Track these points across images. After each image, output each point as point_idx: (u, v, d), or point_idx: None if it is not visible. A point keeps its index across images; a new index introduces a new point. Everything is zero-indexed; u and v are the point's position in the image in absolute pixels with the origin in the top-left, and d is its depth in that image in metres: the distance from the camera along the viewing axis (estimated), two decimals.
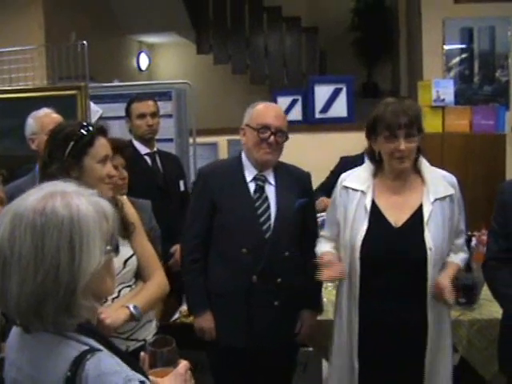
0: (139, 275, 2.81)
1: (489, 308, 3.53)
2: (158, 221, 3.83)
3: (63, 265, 1.44)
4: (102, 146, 2.64)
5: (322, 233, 3.18)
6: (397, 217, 2.88)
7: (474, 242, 4.21)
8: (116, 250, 1.60)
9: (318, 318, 3.44)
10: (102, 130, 2.70)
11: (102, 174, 2.62)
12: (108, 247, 1.54)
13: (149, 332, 2.83)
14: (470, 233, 3.94)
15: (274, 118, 3.18)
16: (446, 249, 2.87)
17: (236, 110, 5.10)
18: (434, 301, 2.82)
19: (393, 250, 2.79)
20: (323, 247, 3.07)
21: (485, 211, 5.38)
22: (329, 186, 4.58)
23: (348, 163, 4.21)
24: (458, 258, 2.95)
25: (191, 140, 5.74)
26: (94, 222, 1.50)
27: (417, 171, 2.96)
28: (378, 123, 2.84)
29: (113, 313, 2.51)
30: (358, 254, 2.85)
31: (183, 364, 1.78)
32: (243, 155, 3.28)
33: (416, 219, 2.85)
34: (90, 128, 2.64)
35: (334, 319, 3.10)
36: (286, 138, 3.22)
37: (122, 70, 10.67)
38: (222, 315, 3.20)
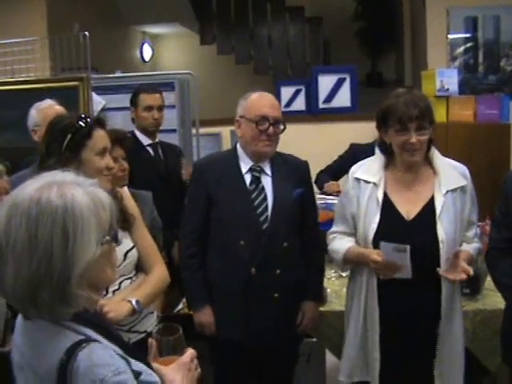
0: (140, 267, 2.81)
1: (493, 298, 3.51)
2: (160, 211, 3.83)
3: (56, 253, 1.45)
4: (100, 137, 2.61)
5: (334, 228, 3.12)
6: (409, 209, 2.86)
7: (478, 232, 4.18)
8: (116, 240, 1.59)
9: (322, 308, 3.43)
10: (100, 122, 2.67)
11: (100, 166, 2.60)
12: (107, 237, 1.54)
13: (150, 324, 2.83)
14: None
15: (270, 108, 3.14)
16: (458, 240, 2.85)
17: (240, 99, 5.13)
18: (447, 292, 2.82)
19: (405, 242, 2.74)
20: (344, 244, 3.01)
21: (489, 201, 5.35)
22: (336, 170, 4.60)
23: (358, 151, 4.21)
24: (471, 247, 2.91)
25: (194, 131, 5.72)
26: (89, 212, 1.50)
27: (428, 162, 2.94)
28: (390, 115, 2.81)
29: (115, 306, 2.52)
30: (371, 247, 2.84)
31: (189, 352, 1.78)
32: (238, 146, 3.25)
33: (428, 211, 2.84)
34: (88, 120, 2.61)
35: (346, 311, 3.09)
36: (284, 128, 3.18)
37: (125, 61, 10.66)
38: (222, 309, 3.18)
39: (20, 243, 1.45)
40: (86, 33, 4.96)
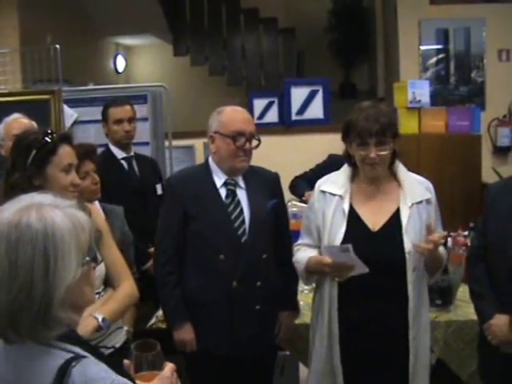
0: (108, 282, 2.78)
1: (465, 309, 3.55)
2: (134, 225, 3.82)
3: (37, 279, 1.44)
4: (65, 154, 2.60)
5: (299, 241, 3.13)
6: (374, 221, 2.89)
7: (449, 242, 4.20)
8: (95, 260, 1.58)
9: (295, 321, 3.44)
10: (66, 138, 2.66)
11: (65, 183, 2.59)
12: (86, 258, 1.54)
13: (118, 339, 2.80)
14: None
15: (246, 123, 3.15)
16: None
17: (213, 111, 5.11)
18: (414, 302, 2.83)
19: (371, 253, 2.78)
20: (307, 254, 3.02)
21: (461, 212, 5.46)
22: (312, 179, 4.59)
23: (336, 162, 4.22)
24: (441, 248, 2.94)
25: (167, 143, 5.70)
26: (69, 234, 1.49)
27: (393, 175, 2.97)
28: (351, 129, 2.85)
29: (81, 322, 2.49)
30: None
31: (169, 366, 1.78)
32: (210, 161, 3.23)
33: (393, 223, 2.86)
34: (54, 136, 2.60)
35: (312, 323, 3.09)
36: (259, 143, 3.19)
37: (99, 72, 10.60)
38: (204, 324, 3.16)
39: (0, 269, 1.44)
40: (57, 46, 4.94)
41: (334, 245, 2.80)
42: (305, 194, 4.50)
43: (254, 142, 3.18)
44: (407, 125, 5.94)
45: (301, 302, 3.60)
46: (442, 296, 3.54)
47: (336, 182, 3.01)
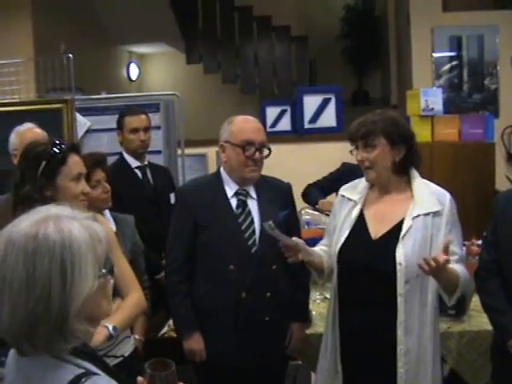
0: (116, 292, 2.79)
1: (478, 319, 3.52)
2: (148, 233, 3.83)
3: (54, 291, 1.43)
4: (75, 163, 2.62)
5: (321, 241, 3.20)
6: (378, 229, 2.90)
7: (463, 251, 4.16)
8: (112, 272, 1.58)
9: (307, 331, 3.43)
10: (74, 148, 2.68)
11: (75, 192, 2.61)
12: (103, 270, 1.53)
13: (127, 348, 2.82)
14: None
15: (256, 132, 3.14)
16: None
17: (226, 120, 5.11)
18: (406, 318, 2.80)
19: (366, 261, 2.82)
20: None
21: (475, 220, 5.41)
22: (326, 187, 4.62)
23: (349, 170, 4.21)
24: (456, 266, 2.80)
25: (179, 151, 5.71)
26: (86, 247, 1.48)
27: (408, 185, 2.95)
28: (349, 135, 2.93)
29: None
30: (335, 262, 2.92)
31: None
32: (222, 170, 3.24)
33: (394, 233, 2.85)
34: (63, 146, 2.62)
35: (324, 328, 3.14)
36: (270, 152, 3.18)
37: (112, 80, 10.66)
38: (213, 334, 3.15)
39: (17, 281, 1.43)
40: (70, 55, 4.97)
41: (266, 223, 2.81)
42: (318, 202, 4.50)
43: (265, 152, 3.17)
44: (420, 133, 5.90)
45: (313, 312, 3.59)
46: (455, 306, 3.50)
47: (355, 188, 3.05)
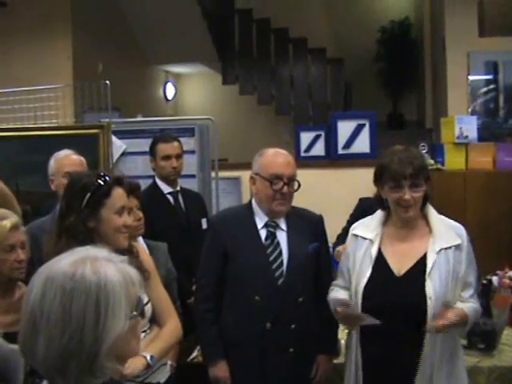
0: (154, 320, 2.84)
1: (509, 354, 3.49)
2: (180, 259, 3.87)
3: (88, 328, 1.49)
4: (118, 196, 2.67)
5: (335, 282, 3.17)
6: (401, 265, 2.90)
7: (495, 281, 4.12)
8: (142, 314, 1.63)
9: (336, 361, 3.43)
10: (119, 180, 2.73)
11: (118, 225, 2.66)
12: (134, 312, 1.59)
13: (162, 375, 2.89)
14: (489, 277, 3.90)
15: (285, 166, 3.15)
16: (450, 299, 2.83)
17: (261, 142, 5.13)
18: (430, 352, 2.79)
19: (393, 298, 2.81)
20: (337, 294, 3.06)
21: (509, 250, 5.38)
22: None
23: (366, 205, 4.18)
24: (465, 306, 2.87)
25: (213, 174, 5.76)
26: (120, 289, 1.54)
27: (425, 219, 2.97)
28: (384, 172, 2.86)
29: (131, 362, 2.54)
30: (360, 301, 2.88)
31: None
32: (253, 202, 3.27)
33: (419, 268, 2.86)
34: (107, 178, 2.67)
35: (345, 359, 3.12)
36: (299, 186, 3.19)
37: (149, 100, 10.80)
38: (237, 364, 3.17)
39: (54, 316, 1.49)
40: (108, 81, 5.07)
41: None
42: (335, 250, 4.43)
43: (294, 186, 3.18)
44: (454, 160, 5.91)
45: (342, 341, 3.59)
46: (484, 340, 3.49)
47: (368, 226, 3.04)
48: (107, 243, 2.61)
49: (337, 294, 3.07)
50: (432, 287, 2.79)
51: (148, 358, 2.63)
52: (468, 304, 2.88)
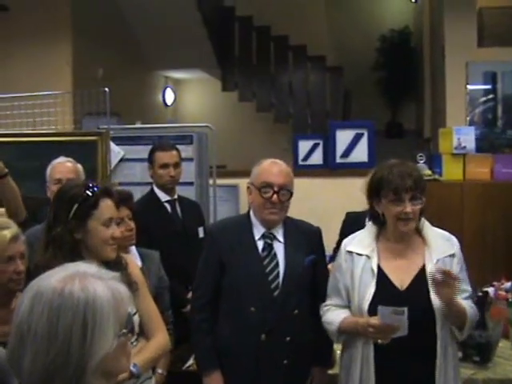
0: (141, 332, 2.82)
1: (504, 367, 3.48)
2: (176, 268, 3.88)
3: (74, 344, 1.49)
4: (106, 207, 2.64)
5: (327, 301, 3.11)
6: (402, 279, 2.89)
7: (491, 293, 4.11)
8: (132, 332, 1.62)
9: (331, 371, 3.42)
10: (107, 191, 2.70)
11: (106, 237, 2.62)
12: (123, 330, 1.58)
13: None
14: (485, 288, 3.90)
15: (276, 175, 3.12)
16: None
17: (259, 149, 5.14)
18: (442, 361, 2.81)
19: None
20: (338, 315, 3.01)
21: (505, 261, 5.38)
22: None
23: (352, 219, 4.14)
24: (464, 302, 2.89)
25: (211, 181, 5.76)
26: (108, 306, 1.54)
27: (418, 232, 2.98)
28: (383, 186, 2.85)
29: None
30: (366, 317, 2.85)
31: None
32: (251, 212, 3.26)
33: (420, 281, 2.86)
34: (95, 189, 2.64)
35: (340, 379, 3.07)
36: (291, 196, 3.16)
37: (148, 105, 10.82)
38: (231, 374, 3.16)
39: (40, 332, 1.49)
40: (107, 89, 5.08)
41: (389, 307, 2.76)
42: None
43: (285, 195, 3.13)
44: (451, 171, 5.91)
45: (337, 351, 3.58)
46: (480, 352, 3.48)
47: (362, 241, 3.01)
48: (95, 255, 2.62)
49: (336, 313, 3.02)
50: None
51: (131, 367, 2.55)
52: (465, 302, 2.89)
